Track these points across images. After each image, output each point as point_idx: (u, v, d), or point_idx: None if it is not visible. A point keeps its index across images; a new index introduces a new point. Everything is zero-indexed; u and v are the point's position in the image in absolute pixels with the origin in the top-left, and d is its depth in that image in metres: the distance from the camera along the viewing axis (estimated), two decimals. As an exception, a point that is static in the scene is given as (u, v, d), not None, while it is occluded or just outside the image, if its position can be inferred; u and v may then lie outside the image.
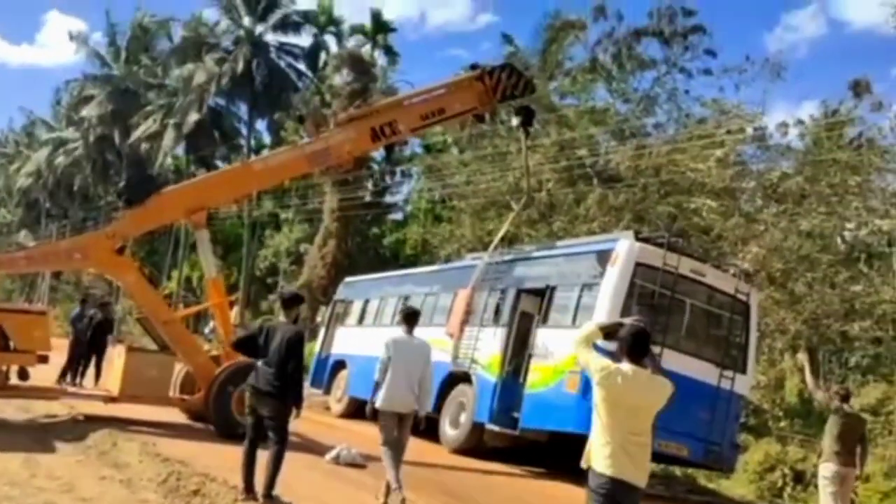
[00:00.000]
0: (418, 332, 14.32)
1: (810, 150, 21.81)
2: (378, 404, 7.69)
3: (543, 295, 12.28)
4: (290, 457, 7.01)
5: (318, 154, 12.24)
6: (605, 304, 10.80)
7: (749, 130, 23.12)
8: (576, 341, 4.81)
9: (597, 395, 4.69)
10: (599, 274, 11.17)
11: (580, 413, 10.38)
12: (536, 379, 11.68)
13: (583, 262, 11.98)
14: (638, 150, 22.81)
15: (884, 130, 20.38)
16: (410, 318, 7.97)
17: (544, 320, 12.10)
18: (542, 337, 11.93)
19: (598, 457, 4.60)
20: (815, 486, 13.68)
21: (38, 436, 9.83)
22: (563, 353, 11.13)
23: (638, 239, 11.41)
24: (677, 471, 15.27)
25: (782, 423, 16.86)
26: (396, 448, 7.63)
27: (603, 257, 11.35)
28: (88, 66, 51.04)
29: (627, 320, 4.96)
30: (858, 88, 19.21)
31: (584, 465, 4.73)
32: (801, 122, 22.71)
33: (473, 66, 12.79)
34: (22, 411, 11.47)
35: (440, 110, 12.46)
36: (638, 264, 10.98)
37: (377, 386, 7.78)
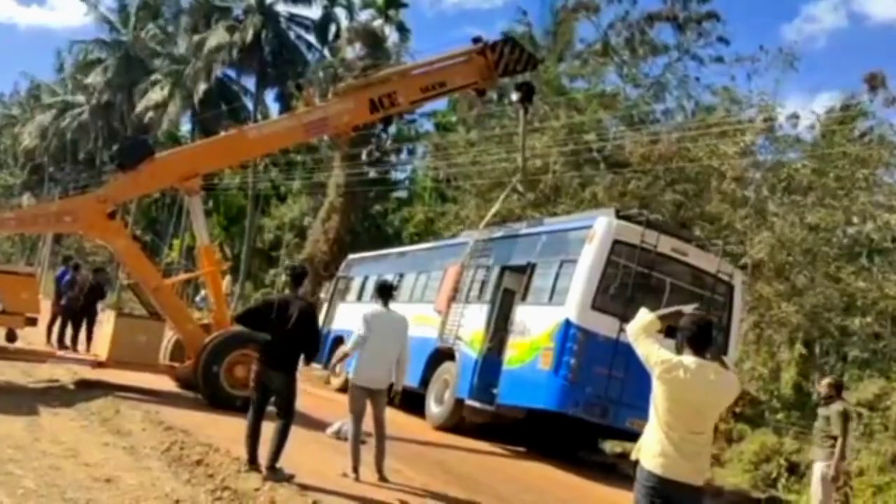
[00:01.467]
0: (415, 307, 14.43)
1: (818, 143, 21.52)
2: (350, 376, 7.67)
3: (525, 272, 12.19)
4: (292, 430, 6.98)
5: (315, 123, 12.08)
6: (581, 281, 10.72)
7: (760, 120, 22.88)
8: (633, 333, 4.53)
9: (656, 389, 4.41)
10: (577, 251, 11.04)
11: (551, 390, 10.60)
12: (513, 355, 11.63)
13: (563, 240, 11.90)
14: (648, 136, 22.59)
15: (895, 126, 20.10)
16: (384, 291, 7.77)
17: (524, 297, 12.02)
18: (521, 314, 11.85)
19: (648, 453, 4.35)
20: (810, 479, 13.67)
21: (42, 399, 9.77)
22: (540, 329, 11.15)
23: (619, 217, 11.25)
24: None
25: (779, 415, 16.72)
26: (361, 422, 7.51)
27: (581, 234, 11.24)
28: (97, 30, 50.84)
29: (686, 308, 4.63)
30: (874, 82, 18.83)
31: (634, 456, 4.54)
32: (813, 112, 22.42)
33: (476, 40, 12.60)
34: (24, 375, 11.40)
35: (441, 83, 12.39)
36: (616, 241, 10.83)
37: (349, 357, 7.76)
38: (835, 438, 8.73)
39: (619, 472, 12.86)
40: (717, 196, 21.14)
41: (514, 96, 13.86)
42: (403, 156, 39.28)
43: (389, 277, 16.45)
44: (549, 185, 22.71)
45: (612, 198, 20.67)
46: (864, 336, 17.99)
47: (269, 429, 6.78)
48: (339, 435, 9.17)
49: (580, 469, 11.35)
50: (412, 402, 12.53)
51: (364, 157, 14.41)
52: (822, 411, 9.09)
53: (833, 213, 19.15)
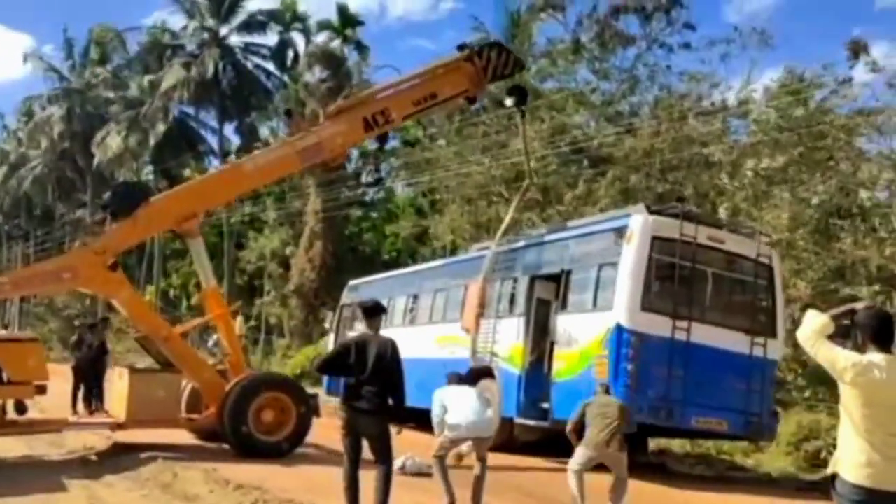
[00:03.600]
0: (439, 328, 13.90)
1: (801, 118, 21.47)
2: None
3: (559, 280, 11.84)
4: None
5: (309, 149, 11.60)
6: (627, 283, 10.41)
7: (732, 100, 22.96)
8: (807, 338, 4.01)
9: (847, 395, 3.93)
10: (616, 252, 10.73)
11: None
12: (562, 367, 11.27)
13: (596, 242, 11.57)
14: (628, 130, 22.50)
15: (850, 97, 20.20)
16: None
17: (563, 306, 11.67)
18: (563, 323, 11.53)
19: (850, 464, 3.89)
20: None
21: (85, 471, 9.14)
22: (588, 337, 10.81)
23: (650, 212, 10.97)
24: (711, 448, 14.84)
25: (807, 393, 16.49)
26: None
27: (617, 235, 10.93)
28: (41, 82, 49.66)
29: (859, 305, 4.18)
30: (856, 48, 18.81)
31: (830, 471, 4.06)
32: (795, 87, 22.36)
33: (461, 47, 12.40)
34: (54, 446, 10.70)
35: (432, 95, 12.13)
36: (655, 238, 10.55)
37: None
38: None
39: (668, 469, 12.49)
40: (707, 182, 21.09)
41: (509, 101, 13.71)
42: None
43: (402, 300, 16.03)
44: (539, 188, 22.44)
45: (613, 195, 20.47)
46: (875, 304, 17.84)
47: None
48: (404, 470, 8.77)
49: (641, 473, 10.90)
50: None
51: (364, 178, 14.03)
52: None
53: (826, 182, 19.19)
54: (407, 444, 9.36)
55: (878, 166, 19.72)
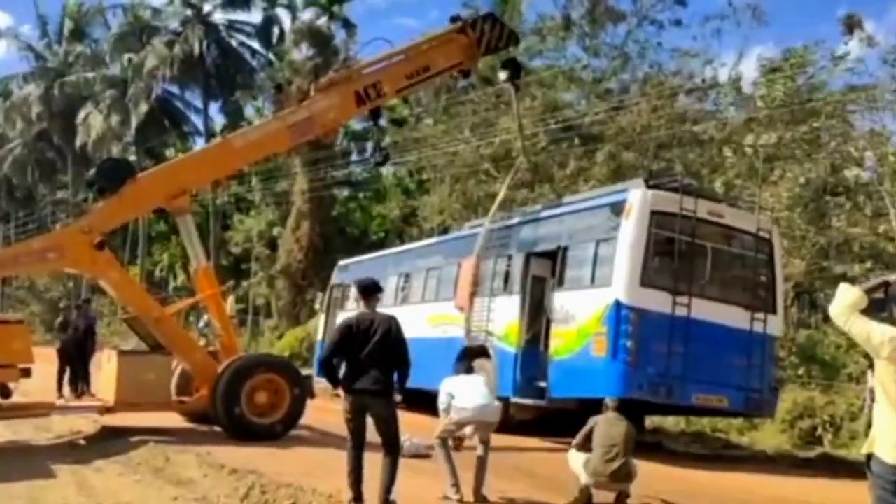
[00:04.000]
0: (432, 307, 13.68)
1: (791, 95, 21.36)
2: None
3: (555, 256, 11.65)
4: (341, 454, 6.30)
5: (300, 124, 11.35)
6: (626, 259, 10.24)
7: (725, 77, 22.82)
8: (840, 313, 3.85)
9: (883, 371, 3.77)
10: (614, 227, 10.55)
11: (612, 377, 10.11)
12: (560, 345, 11.12)
13: (594, 218, 11.39)
14: (618, 107, 22.31)
15: (834, 74, 20.17)
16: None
17: (560, 283, 11.49)
18: (560, 300, 11.34)
19: (887, 445, 3.72)
20: (849, 433, 13.41)
21: (74, 455, 8.90)
22: (586, 314, 10.65)
23: (649, 186, 10.79)
24: (706, 425, 14.81)
25: (800, 371, 16.50)
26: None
27: (615, 209, 10.75)
28: (19, 60, 48.62)
29: (892, 277, 3.98)
30: (850, 22, 18.68)
31: (865, 451, 3.89)
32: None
33: (454, 19, 12.31)
34: (41, 431, 10.44)
35: (425, 68, 11.98)
36: (654, 212, 10.37)
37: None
38: None
39: (665, 448, 12.42)
40: (698, 160, 21.01)
41: (503, 75, 13.48)
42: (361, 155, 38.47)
43: (394, 279, 15.78)
44: (530, 166, 22.24)
45: (605, 173, 20.31)
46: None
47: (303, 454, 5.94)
48: (403, 453, 8.48)
49: (637, 452, 10.80)
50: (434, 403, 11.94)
51: (370, 158, 13.83)
52: None
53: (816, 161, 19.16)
54: (404, 425, 9.21)
55: (867, 143, 19.71)
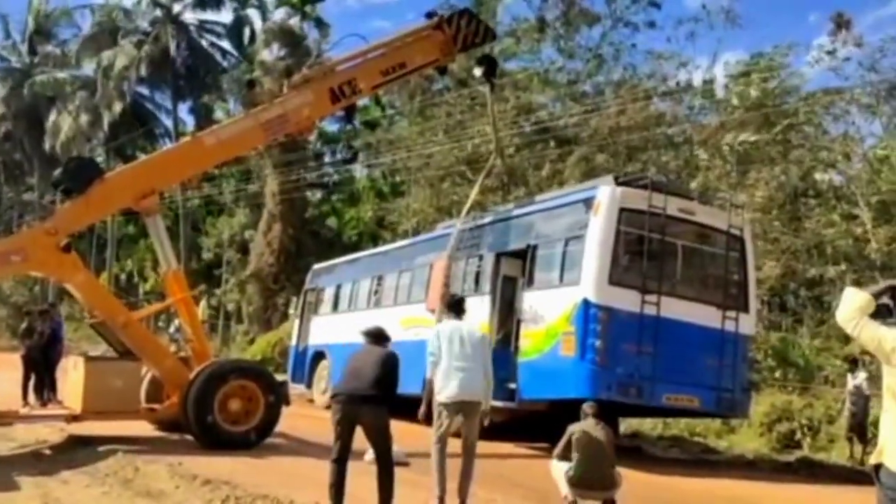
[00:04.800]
0: (403, 310, 13.42)
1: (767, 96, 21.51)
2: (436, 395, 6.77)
3: (525, 256, 11.49)
4: (319, 464, 6.12)
5: (274, 121, 11.08)
6: (594, 256, 10.09)
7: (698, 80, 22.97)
8: (847, 319, 3.69)
9: (891, 379, 3.61)
10: (583, 225, 10.38)
11: (580, 377, 9.97)
12: (529, 345, 10.94)
13: (563, 216, 11.23)
14: (593, 109, 22.32)
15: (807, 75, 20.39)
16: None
17: (529, 283, 11.31)
18: (529, 300, 11.17)
19: None
20: (828, 436, 13.42)
21: (39, 467, 8.49)
22: (555, 314, 10.48)
23: (619, 183, 10.64)
24: (683, 429, 14.74)
25: (777, 374, 16.52)
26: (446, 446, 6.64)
27: (584, 207, 10.59)
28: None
29: None
30: (839, 21, 18.81)
31: (874, 461, 3.72)
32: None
33: (429, 15, 12.16)
34: (5, 440, 10.00)
35: (401, 64, 11.83)
36: (623, 209, 10.22)
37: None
38: None
39: (646, 454, 12.31)
40: (673, 162, 21.04)
41: (477, 71, 13.40)
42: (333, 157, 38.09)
43: (367, 282, 15.52)
44: (503, 169, 22.12)
45: (577, 175, 20.25)
46: (846, 284, 18.00)
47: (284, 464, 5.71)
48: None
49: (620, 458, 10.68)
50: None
51: (339, 156, 13.58)
52: None
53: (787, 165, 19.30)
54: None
55: (840, 145, 19.89)
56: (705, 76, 22.92)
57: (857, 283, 18.41)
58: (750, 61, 22.02)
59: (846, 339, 16.60)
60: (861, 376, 12.41)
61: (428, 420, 6.49)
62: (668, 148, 21.57)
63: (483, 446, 10.20)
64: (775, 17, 51.12)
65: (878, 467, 3.64)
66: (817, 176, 21.25)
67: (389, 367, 6.06)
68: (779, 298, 21.57)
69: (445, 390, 6.55)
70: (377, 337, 6.40)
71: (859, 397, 12.24)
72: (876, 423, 11.88)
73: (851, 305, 3.70)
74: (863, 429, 12.23)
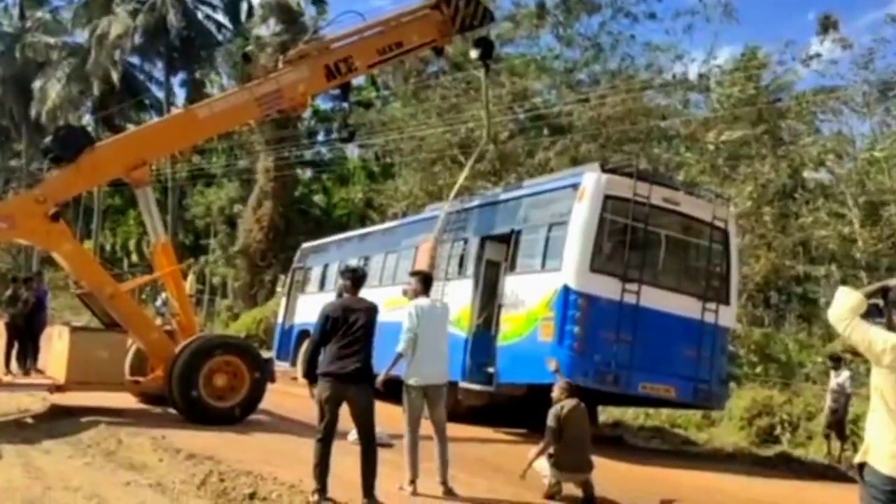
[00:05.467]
0: (388, 291, 13.42)
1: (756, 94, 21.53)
2: (405, 378, 6.75)
3: (509, 240, 11.48)
4: (303, 442, 6.06)
5: (268, 96, 11.03)
6: (576, 243, 10.07)
7: (693, 74, 22.94)
8: (839, 318, 3.70)
9: (882, 378, 3.61)
10: (567, 211, 10.36)
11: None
12: (509, 330, 10.96)
13: (548, 202, 11.21)
14: (595, 98, 22.27)
15: (800, 74, 20.41)
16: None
17: (512, 267, 11.34)
18: (511, 285, 11.18)
19: (883, 454, 3.57)
20: (806, 432, 13.56)
21: (21, 435, 8.42)
22: (535, 299, 10.50)
23: (605, 170, 10.60)
24: (665, 420, 14.86)
25: (758, 369, 16.66)
26: (419, 428, 6.68)
27: (569, 193, 10.55)
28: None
29: (892, 282, 3.85)
30: (827, 23, 18.84)
31: (859, 460, 3.75)
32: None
33: None
34: None
35: (398, 43, 11.79)
36: (607, 197, 10.20)
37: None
38: None
39: (627, 444, 12.39)
40: (662, 154, 21.06)
41: (474, 53, 13.26)
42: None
43: (354, 262, 15.48)
44: (495, 154, 22.10)
45: (564, 164, 20.23)
46: (833, 283, 18.14)
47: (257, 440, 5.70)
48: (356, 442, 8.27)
49: (597, 447, 10.71)
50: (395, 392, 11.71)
51: (335, 135, 13.49)
52: None
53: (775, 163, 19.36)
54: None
55: (833, 144, 19.96)
56: (700, 70, 22.87)
57: (843, 282, 18.64)
58: (740, 58, 22.03)
59: (828, 336, 16.78)
60: (844, 375, 12.49)
61: (385, 388, 6.42)
62: (661, 141, 21.56)
63: (463, 430, 10.37)
64: (773, 13, 51.19)
65: (862, 466, 3.67)
66: (806, 174, 21.34)
67: (372, 329, 6.07)
68: (763, 294, 21.75)
69: (415, 375, 6.58)
70: (360, 281, 6.38)
71: (841, 395, 12.34)
72: (855, 422, 12.11)
73: (844, 306, 3.71)
74: (842, 427, 12.35)
